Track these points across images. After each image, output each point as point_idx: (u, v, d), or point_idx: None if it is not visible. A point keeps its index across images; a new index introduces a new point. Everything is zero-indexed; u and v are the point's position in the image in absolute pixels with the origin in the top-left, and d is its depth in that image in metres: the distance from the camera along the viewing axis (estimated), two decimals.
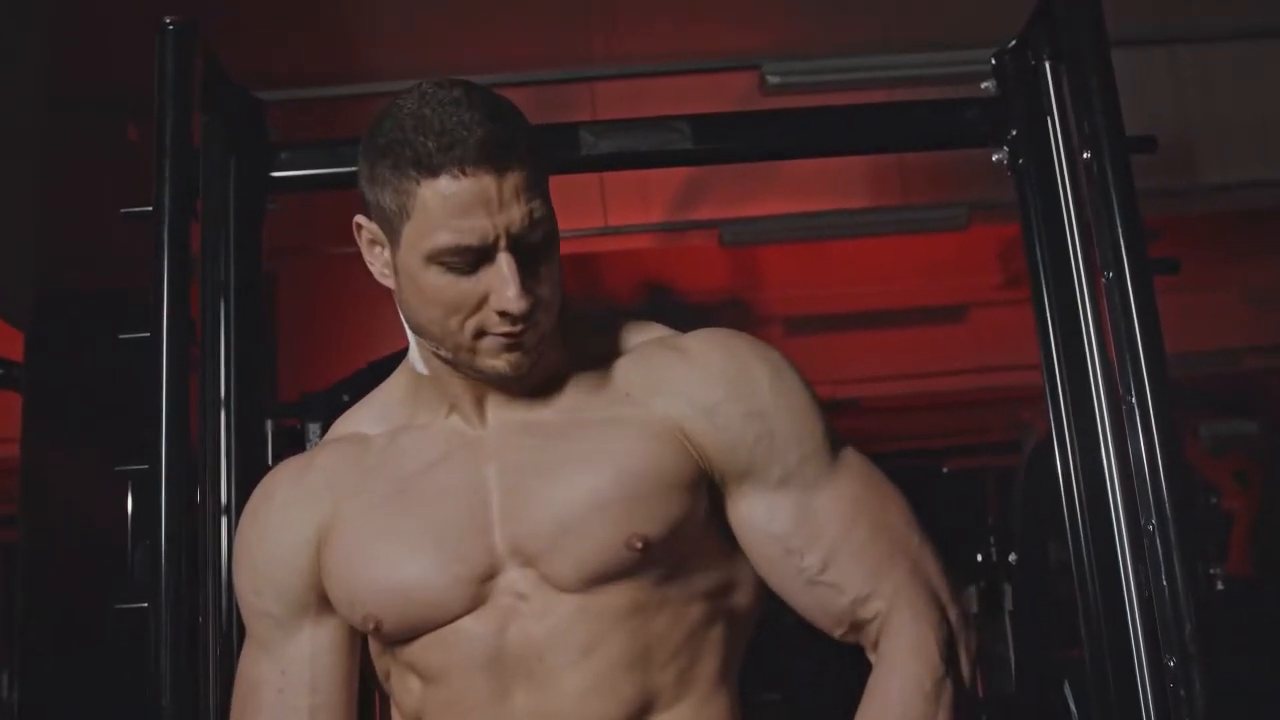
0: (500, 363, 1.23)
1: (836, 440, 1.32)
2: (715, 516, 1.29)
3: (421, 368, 1.33)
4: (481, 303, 1.20)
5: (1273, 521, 3.84)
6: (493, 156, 1.18)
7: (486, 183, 1.18)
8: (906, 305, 5.42)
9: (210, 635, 1.53)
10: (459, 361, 1.26)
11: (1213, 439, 4.04)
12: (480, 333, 1.22)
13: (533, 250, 1.21)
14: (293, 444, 2.95)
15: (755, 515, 1.28)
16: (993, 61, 1.79)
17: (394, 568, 1.27)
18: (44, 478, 2.72)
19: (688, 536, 1.26)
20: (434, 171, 1.18)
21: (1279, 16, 4.18)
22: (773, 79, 3.98)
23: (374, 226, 1.27)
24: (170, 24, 1.60)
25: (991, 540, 4.13)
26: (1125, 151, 1.55)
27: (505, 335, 1.22)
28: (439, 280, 1.21)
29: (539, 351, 1.25)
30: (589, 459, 1.25)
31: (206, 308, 1.64)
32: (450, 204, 1.18)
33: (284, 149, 1.80)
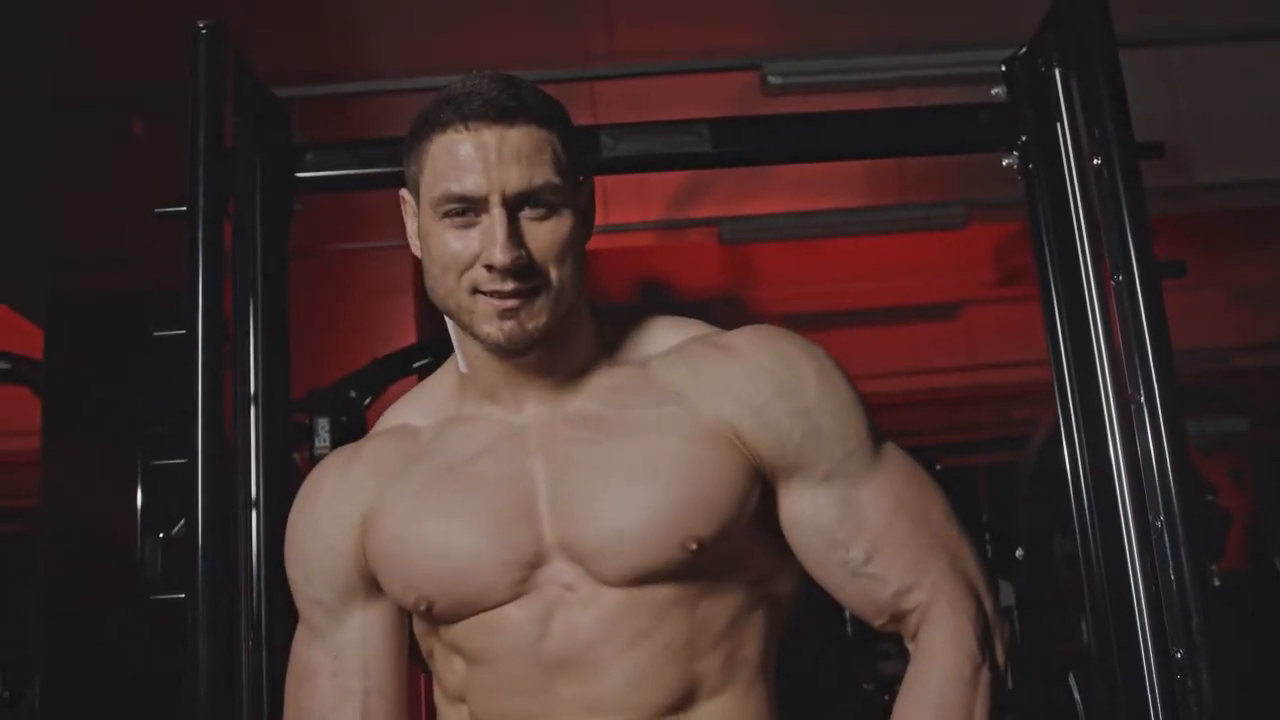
0: (494, 329, 1.27)
1: (879, 436, 1.36)
2: (760, 509, 1.32)
3: (463, 366, 1.37)
4: (476, 259, 1.26)
5: (1268, 519, 3.88)
6: (496, 115, 1.25)
7: (486, 137, 1.25)
8: (902, 303, 5.46)
9: (243, 626, 1.56)
10: (464, 326, 1.30)
11: (1204, 437, 4.09)
12: (474, 290, 1.26)
13: (535, 219, 1.26)
14: (301, 439, 2.99)
15: (801, 509, 1.32)
16: (1003, 68, 1.83)
17: (446, 548, 1.30)
18: (62, 475, 2.74)
19: (738, 532, 1.30)
20: (443, 128, 1.26)
21: (1267, 18, 4.22)
22: (774, 79, 3.99)
23: (410, 198, 1.35)
24: (203, 27, 1.63)
25: (986, 537, 4.17)
26: (1134, 158, 1.60)
27: (496, 296, 1.25)
28: (443, 234, 1.27)
29: (542, 329, 1.28)
30: (645, 463, 1.28)
31: (238, 306, 1.67)
32: (451, 154, 1.25)
33: (309, 149, 1.83)
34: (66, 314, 2.82)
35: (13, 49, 2.93)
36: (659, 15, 4.18)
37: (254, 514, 1.64)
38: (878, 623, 1.34)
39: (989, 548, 4.01)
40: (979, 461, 5.56)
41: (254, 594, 1.60)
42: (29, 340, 2.93)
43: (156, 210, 1.62)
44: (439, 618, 1.32)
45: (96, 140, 3.10)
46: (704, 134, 1.81)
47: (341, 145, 1.87)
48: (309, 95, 3.87)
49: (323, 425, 3.03)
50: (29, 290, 2.85)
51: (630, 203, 4.13)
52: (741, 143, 1.86)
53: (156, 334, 1.57)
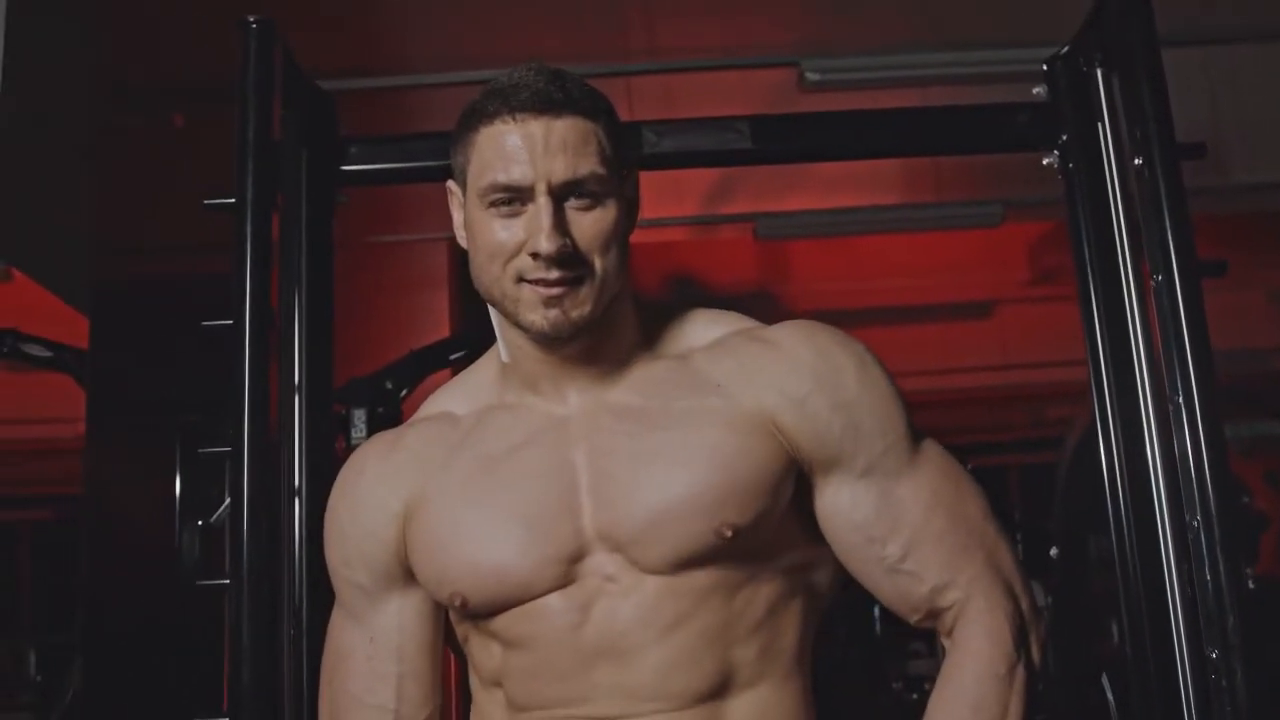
0: (538, 317, 1.28)
1: (917, 432, 1.36)
2: (798, 501, 1.33)
3: (504, 355, 1.38)
4: (521, 247, 1.27)
5: None
6: (543, 106, 1.26)
7: (533, 128, 1.26)
8: (936, 301, 5.45)
9: (285, 613, 1.58)
10: (508, 315, 1.31)
11: (1239, 439, 4.07)
12: (520, 278, 1.28)
13: (580, 208, 1.27)
14: (337, 429, 3.02)
15: (839, 504, 1.33)
16: (1044, 67, 1.83)
17: (484, 548, 1.30)
18: (104, 462, 2.79)
19: (773, 521, 1.30)
20: (490, 119, 1.28)
21: None
22: (811, 76, 3.99)
23: (457, 189, 1.36)
24: (253, 22, 1.65)
25: (1018, 537, 4.17)
26: (1176, 158, 1.60)
27: (541, 284, 1.26)
28: (489, 223, 1.29)
29: (586, 318, 1.29)
30: (683, 451, 1.29)
31: (283, 297, 1.69)
32: (498, 145, 1.27)
33: (354, 143, 1.85)
34: (111, 303, 2.86)
35: (58, 45, 2.97)
36: (697, 11, 4.18)
37: (297, 502, 1.66)
38: (914, 619, 1.34)
39: (1020, 548, 4.00)
40: (1011, 461, 5.55)
41: (296, 581, 1.62)
42: (73, 329, 2.97)
43: (205, 202, 1.64)
44: (473, 612, 1.33)
45: (141, 133, 3.14)
46: (745, 131, 1.82)
47: (386, 139, 1.88)
48: (346, 89, 3.90)
49: (359, 416, 3.06)
50: (73, 279, 2.88)
51: (665, 198, 4.14)
52: (782, 140, 1.86)
53: (204, 324, 1.59)
